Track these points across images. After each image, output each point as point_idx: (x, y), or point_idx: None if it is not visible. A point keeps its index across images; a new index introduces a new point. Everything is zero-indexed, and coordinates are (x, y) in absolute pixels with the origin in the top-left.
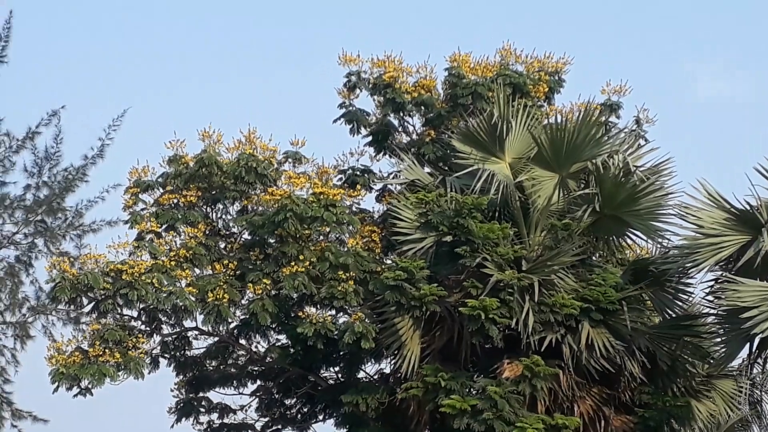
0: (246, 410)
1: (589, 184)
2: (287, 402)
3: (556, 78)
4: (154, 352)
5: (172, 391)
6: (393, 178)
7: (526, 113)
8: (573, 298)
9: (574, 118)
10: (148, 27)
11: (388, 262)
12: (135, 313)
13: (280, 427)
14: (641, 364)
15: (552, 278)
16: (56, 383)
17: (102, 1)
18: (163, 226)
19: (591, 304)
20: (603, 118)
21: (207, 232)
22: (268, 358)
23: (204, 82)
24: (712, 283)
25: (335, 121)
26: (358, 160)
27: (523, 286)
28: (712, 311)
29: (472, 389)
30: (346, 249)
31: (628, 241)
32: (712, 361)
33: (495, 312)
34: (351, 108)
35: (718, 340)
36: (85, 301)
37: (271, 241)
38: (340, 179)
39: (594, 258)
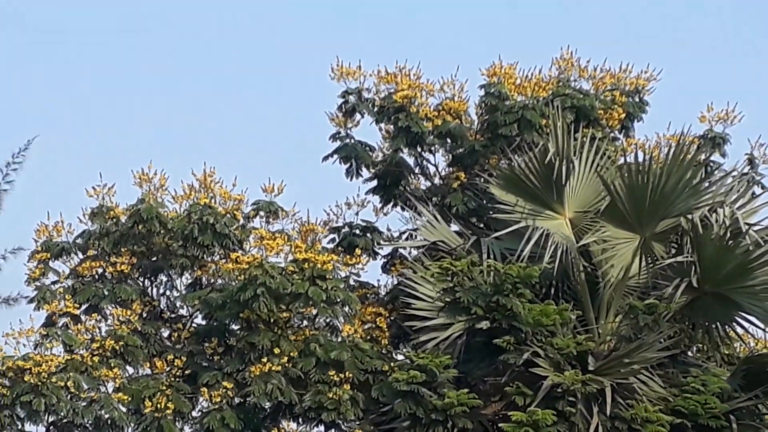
0: None
1: (683, 249)
2: None
3: (637, 100)
4: None
5: None
6: (407, 239)
7: (594, 149)
8: (660, 410)
9: (661, 156)
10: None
11: (400, 358)
12: (42, 430)
13: None
14: None
15: (631, 382)
16: None
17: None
18: (83, 307)
19: (686, 419)
20: (702, 157)
21: (144, 315)
22: None
23: (143, 105)
24: None
25: (326, 158)
26: (357, 214)
27: (590, 393)
28: None
29: None
30: (340, 339)
31: (739, 329)
32: None
33: (550, 430)
34: (348, 140)
35: None
36: None
37: (235, 327)
38: (333, 240)
39: (690, 354)
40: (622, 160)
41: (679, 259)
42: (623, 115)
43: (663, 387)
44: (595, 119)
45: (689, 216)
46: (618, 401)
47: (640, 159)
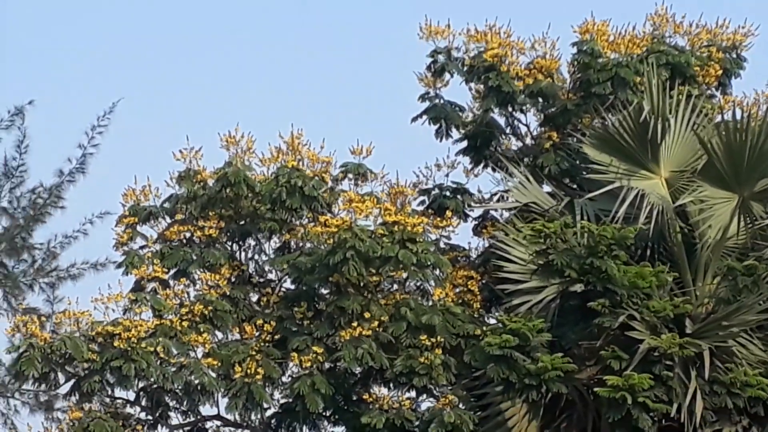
0: None
1: None
2: None
3: (734, 56)
4: None
5: None
6: (498, 200)
7: (690, 107)
8: (761, 373)
9: (759, 113)
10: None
11: (492, 321)
12: (132, 395)
13: None
14: None
15: (730, 345)
16: None
17: None
18: (171, 272)
19: None
20: None
21: (233, 280)
22: None
23: (230, 67)
24: None
25: (415, 119)
26: (447, 176)
27: (688, 357)
28: None
29: None
30: (431, 303)
31: None
32: None
33: (647, 394)
34: (437, 101)
35: None
36: (61, 377)
37: (324, 291)
38: (422, 203)
39: None
40: (719, 118)
41: None
42: (720, 72)
43: (763, 350)
44: (691, 76)
45: None
46: (716, 365)
47: (738, 117)
